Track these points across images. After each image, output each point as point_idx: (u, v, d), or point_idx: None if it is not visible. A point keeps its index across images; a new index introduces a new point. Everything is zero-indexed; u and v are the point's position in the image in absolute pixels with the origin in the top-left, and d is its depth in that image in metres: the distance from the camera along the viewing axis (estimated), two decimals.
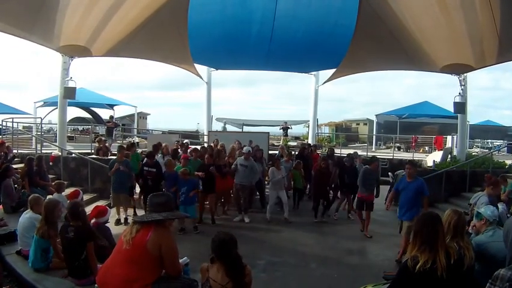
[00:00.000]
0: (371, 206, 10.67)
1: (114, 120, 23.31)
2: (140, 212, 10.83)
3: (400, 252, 8.22)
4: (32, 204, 6.91)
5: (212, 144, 14.80)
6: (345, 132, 41.74)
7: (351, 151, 16.49)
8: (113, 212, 10.26)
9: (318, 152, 17.53)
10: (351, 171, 12.25)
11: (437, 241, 3.43)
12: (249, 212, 11.76)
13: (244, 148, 12.28)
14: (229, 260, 3.91)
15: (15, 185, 10.39)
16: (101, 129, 26.28)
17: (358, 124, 47.58)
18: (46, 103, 25.70)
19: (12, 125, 17.75)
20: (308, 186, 14.18)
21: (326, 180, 12.13)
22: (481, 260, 4.28)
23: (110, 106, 29.60)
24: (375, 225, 11.42)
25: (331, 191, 12.65)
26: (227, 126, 32.67)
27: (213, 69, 22.58)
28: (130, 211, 11.36)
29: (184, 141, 15.89)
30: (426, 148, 27.23)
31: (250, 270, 4.11)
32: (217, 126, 28.49)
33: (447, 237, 3.88)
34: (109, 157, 14.40)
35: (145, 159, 11.30)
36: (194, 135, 28.55)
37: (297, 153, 15.97)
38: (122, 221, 10.84)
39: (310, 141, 24.38)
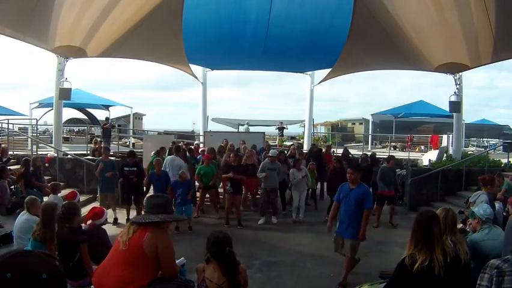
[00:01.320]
0: (393, 201, 12.06)
1: (110, 122, 23.26)
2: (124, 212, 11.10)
3: (343, 274, 7.11)
4: (29, 206, 6.89)
5: (222, 145, 14.76)
6: (341, 131, 41.70)
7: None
8: (109, 213, 10.29)
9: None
10: (367, 172, 12.41)
11: (432, 240, 3.45)
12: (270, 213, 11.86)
13: (271, 151, 12.50)
14: (223, 258, 3.91)
15: (12, 186, 10.38)
16: (97, 130, 26.25)
17: (354, 124, 47.48)
18: (41, 104, 25.68)
19: (8, 126, 17.72)
20: (319, 186, 14.20)
21: (339, 180, 12.23)
22: (476, 257, 4.30)
23: (106, 107, 29.59)
24: (372, 225, 11.47)
25: None
26: (223, 125, 32.75)
27: (208, 69, 22.58)
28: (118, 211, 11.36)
29: (195, 143, 15.82)
30: (422, 147, 27.30)
31: (245, 269, 4.12)
32: (211, 126, 28.40)
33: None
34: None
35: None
36: (190, 136, 28.51)
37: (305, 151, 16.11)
38: (110, 220, 10.77)
39: (306, 141, 24.42)
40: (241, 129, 28.63)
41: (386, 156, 14.24)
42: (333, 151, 16.53)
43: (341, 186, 7.43)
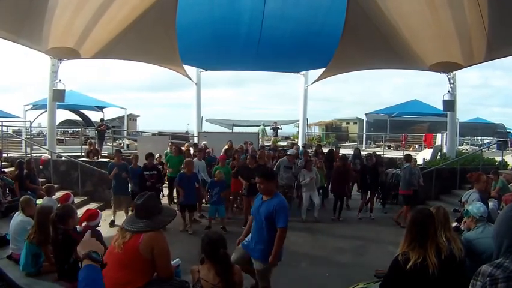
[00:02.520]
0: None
1: (105, 123, 23.21)
2: None
3: None
4: (23, 206, 6.88)
5: (227, 145, 14.90)
6: (335, 131, 41.65)
7: (343, 150, 16.61)
8: (104, 214, 10.27)
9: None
10: (373, 171, 12.47)
11: (427, 239, 3.45)
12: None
13: (290, 150, 12.99)
14: (218, 259, 3.92)
15: (6, 189, 10.33)
16: (91, 132, 26.18)
17: (348, 123, 47.44)
18: (35, 106, 25.55)
19: (2, 128, 17.64)
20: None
21: (343, 179, 12.26)
22: (470, 256, 4.31)
23: (100, 108, 29.56)
24: (368, 225, 11.51)
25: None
26: (218, 126, 32.76)
27: (202, 70, 22.56)
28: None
29: (202, 143, 15.81)
30: (416, 146, 27.33)
31: (240, 270, 4.13)
32: (206, 127, 28.34)
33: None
34: (99, 159, 14.42)
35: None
36: (184, 136, 28.48)
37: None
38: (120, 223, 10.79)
39: (300, 141, 24.42)
40: (259, 129, 28.42)
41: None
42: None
43: (256, 196, 6.12)
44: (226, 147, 14.65)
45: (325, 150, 16.48)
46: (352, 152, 16.14)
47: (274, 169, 11.74)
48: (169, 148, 14.09)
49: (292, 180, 11.93)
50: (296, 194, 12.88)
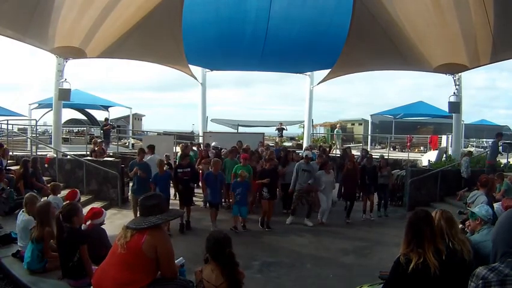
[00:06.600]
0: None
1: (110, 123, 23.21)
2: None
3: None
4: (27, 202, 6.84)
5: (237, 145, 14.93)
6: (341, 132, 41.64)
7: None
8: (109, 213, 10.24)
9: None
10: (372, 172, 12.40)
11: (423, 240, 3.45)
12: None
13: (306, 152, 12.75)
14: (223, 259, 3.90)
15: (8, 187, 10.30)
16: (96, 131, 26.21)
17: (353, 124, 47.41)
18: (41, 105, 25.62)
19: (8, 127, 17.70)
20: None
21: (353, 181, 12.22)
22: (476, 258, 4.29)
23: (105, 107, 29.54)
24: (372, 226, 11.49)
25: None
26: (223, 126, 32.75)
27: (207, 70, 22.61)
28: None
29: (213, 144, 15.81)
30: (422, 148, 27.26)
31: (242, 272, 4.11)
32: (211, 127, 28.33)
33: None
34: (104, 159, 14.43)
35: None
36: (189, 136, 28.50)
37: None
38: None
39: (305, 142, 24.41)
40: (336, 132, 28.40)
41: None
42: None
43: None
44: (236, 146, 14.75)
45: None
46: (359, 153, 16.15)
47: (294, 172, 11.69)
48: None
49: (311, 183, 11.62)
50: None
